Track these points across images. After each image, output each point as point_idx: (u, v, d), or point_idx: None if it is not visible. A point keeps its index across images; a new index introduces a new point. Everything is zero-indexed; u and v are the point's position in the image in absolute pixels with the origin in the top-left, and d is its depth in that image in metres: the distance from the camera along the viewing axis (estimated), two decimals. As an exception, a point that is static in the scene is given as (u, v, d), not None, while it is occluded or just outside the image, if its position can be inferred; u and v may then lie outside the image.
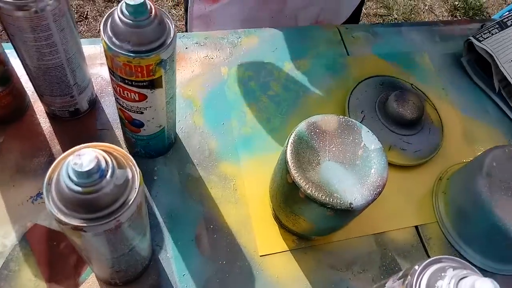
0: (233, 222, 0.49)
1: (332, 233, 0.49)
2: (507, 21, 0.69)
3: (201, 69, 0.60)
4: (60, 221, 0.27)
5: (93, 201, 0.26)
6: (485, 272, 0.51)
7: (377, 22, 1.70)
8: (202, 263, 0.46)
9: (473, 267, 0.30)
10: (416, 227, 0.53)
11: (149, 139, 0.46)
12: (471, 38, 0.65)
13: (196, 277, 0.45)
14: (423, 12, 1.72)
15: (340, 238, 0.50)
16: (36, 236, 0.44)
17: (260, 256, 0.48)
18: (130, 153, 0.50)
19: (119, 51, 0.33)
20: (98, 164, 0.25)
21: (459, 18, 1.74)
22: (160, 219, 0.48)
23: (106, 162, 0.26)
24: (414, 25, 0.72)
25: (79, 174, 0.25)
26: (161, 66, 0.35)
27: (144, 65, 0.34)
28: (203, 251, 0.47)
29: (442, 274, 0.28)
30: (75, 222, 0.26)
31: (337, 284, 0.48)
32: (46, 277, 0.42)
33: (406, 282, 0.30)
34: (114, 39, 0.33)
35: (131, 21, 0.33)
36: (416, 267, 0.30)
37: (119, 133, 0.52)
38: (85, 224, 0.26)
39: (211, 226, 0.49)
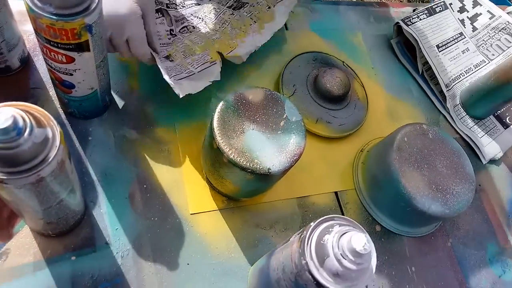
0: (166, 182, 0.52)
1: (257, 195, 0.53)
2: (436, 7, 0.75)
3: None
4: (-20, 174, 0.28)
5: (12, 156, 0.28)
6: (392, 234, 0.57)
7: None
8: (135, 219, 0.49)
9: (359, 225, 0.35)
10: (336, 193, 0.59)
11: (81, 100, 0.47)
12: (400, 21, 0.70)
13: (128, 231, 0.48)
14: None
15: (266, 200, 0.55)
16: (-34, 191, 0.45)
17: (191, 214, 0.51)
18: (64, 113, 0.51)
19: (41, 13, 0.33)
20: (15, 122, 0.27)
21: (409, 1, 1.80)
22: (95, 178, 0.50)
23: (24, 120, 0.28)
24: (351, 5, 0.76)
25: (-3, 130, 0.27)
26: (87, 31, 0.37)
27: (68, 28, 0.35)
28: (136, 208, 0.50)
29: (330, 229, 0.33)
30: (-4, 175, 0.28)
31: (260, 240, 0.52)
32: (-22, 228, 0.44)
33: (302, 236, 0.34)
34: (36, 0, 0.34)
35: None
36: (312, 223, 0.35)
37: (53, 92, 0.52)
38: (5, 177, 0.28)
39: (145, 186, 0.51)
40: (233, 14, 0.60)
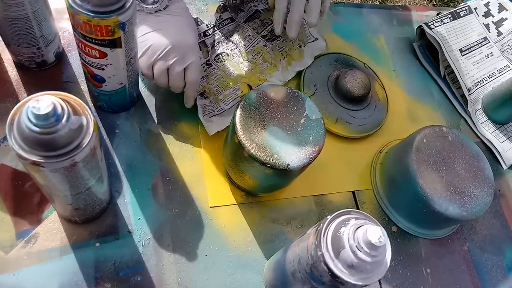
0: (187, 176, 0.54)
1: (275, 191, 0.55)
2: (460, 11, 0.75)
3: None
4: (20, 156, 0.31)
5: (49, 141, 0.30)
6: (408, 235, 0.58)
7: (357, 0, 1.72)
8: (157, 209, 0.51)
9: (375, 220, 0.36)
10: (353, 192, 0.60)
11: (111, 95, 0.49)
12: (423, 25, 0.70)
13: (150, 221, 0.50)
14: (401, -5, 1.76)
15: (283, 197, 0.56)
16: (3, 175, 0.48)
17: (210, 207, 0.53)
18: (94, 106, 0.54)
19: (80, 9, 0.36)
20: (55, 109, 0.29)
21: (434, 4, 1.78)
22: (120, 169, 0.52)
23: (62, 108, 0.30)
24: (375, 8, 0.77)
25: (37, 116, 0.29)
26: (120, 28, 0.39)
27: (103, 25, 0.37)
28: (158, 199, 0.52)
29: (346, 222, 0.34)
30: (34, 158, 0.31)
31: (277, 235, 0.54)
32: (11, 212, 0.47)
33: (318, 228, 0.35)
34: (76, -3, 0.36)
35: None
36: (329, 217, 0.36)
37: (84, 86, 0.55)
38: (42, 160, 0.31)
39: (167, 178, 0.53)
40: (266, 46, 0.61)
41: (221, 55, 0.59)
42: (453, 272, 0.57)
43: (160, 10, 0.49)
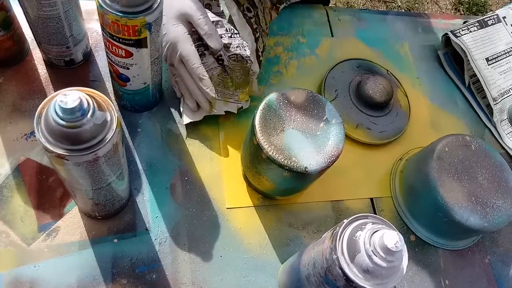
0: (206, 176, 0.55)
1: (292, 194, 0.54)
2: (488, 20, 0.73)
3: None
4: (46, 149, 0.32)
5: (75, 135, 0.31)
6: (427, 245, 0.57)
7: (381, 8, 1.71)
8: (174, 208, 0.52)
9: (392, 226, 0.35)
10: (372, 199, 0.59)
11: (134, 94, 0.51)
12: (449, 33, 0.69)
13: (167, 220, 0.51)
14: (427, 3, 1.74)
15: (300, 201, 0.56)
16: (28, 169, 0.50)
17: (227, 208, 0.53)
18: (118, 105, 0.55)
19: (109, 9, 0.37)
20: (81, 103, 0.30)
21: (461, 13, 1.75)
22: (140, 167, 0.53)
23: (88, 103, 0.31)
24: (400, 15, 0.76)
25: (64, 110, 0.30)
26: (146, 28, 0.40)
27: (130, 25, 0.38)
28: (176, 199, 0.52)
29: (363, 226, 0.34)
30: (59, 151, 0.32)
31: (292, 239, 0.54)
32: (35, 205, 0.48)
33: (334, 231, 0.35)
34: (106, -3, 0.38)
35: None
36: (345, 220, 0.35)
37: (109, 85, 0.56)
38: (67, 153, 0.32)
39: (186, 178, 0.54)
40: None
41: (236, 56, 0.55)
42: (473, 285, 0.56)
43: None
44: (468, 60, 0.68)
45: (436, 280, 0.55)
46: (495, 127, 0.68)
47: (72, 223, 0.48)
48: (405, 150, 0.63)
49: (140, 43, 0.42)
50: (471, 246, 0.58)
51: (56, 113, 0.30)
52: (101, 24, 0.41)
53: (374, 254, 0.32)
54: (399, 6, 1.70)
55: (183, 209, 0.52)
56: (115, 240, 0.49)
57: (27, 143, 0.51)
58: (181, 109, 0.56)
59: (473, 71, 0.68)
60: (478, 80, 0.69)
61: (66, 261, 0.46)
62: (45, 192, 0.49)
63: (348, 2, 1.68)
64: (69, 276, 0.46)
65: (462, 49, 0.68)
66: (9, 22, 0.49)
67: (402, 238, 0.32)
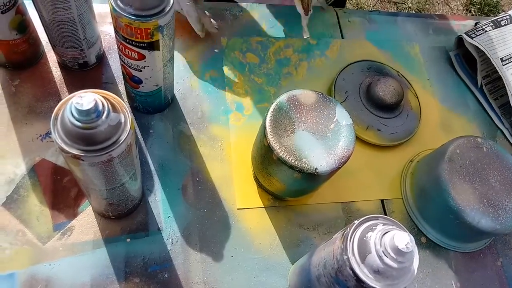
0: (217, 177, 0.55)
1: (302, 195, 0.55)
2: (501, 20, 0.73)
3: (203, 37, 0.64)
4: (62, 150, 0.33)
5: (90, 136, 0.32)
6: (438, 247, 0.56)
7: (391, 9, 1.71)
8: (186, 209, 0.52)
9: (403, 227, 0.35)
10: (382, 201, 0.59)
11: (147, 96, 0.51)
12: (463, 34, 0.69)
13: (179, 220, 0.52)
14: (438, 4, 1.73)
15: (311, 202, 0.56)
16: (43, 169, 0.51)
17: (238, 209, 0.54)
18: (130, 107, 0.56)
19: (122, 13, 0.38)
20: (96, 105, 0.31)
21: (473, 14, 1.74)
22: (152, 168, 0.54)
23: (103, 105, 0.32)
24: (411, 16, 0.76)
25: (80, 112, 0.31)
26: (159, 31, 0.41)
27: (143, 28, 0.39)
28: (187, 199, 0.53)
29: (374, 227, 0.34)
30: (75, 152, 0.32)
31: (303, 240, 0.54)
32: (50, 205, 0.49)
33: (345, 232, 0.35)
34: (119, 1, 0.38)
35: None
36: (356, 221, 0.36)
37: (122, 87, 0.57)
38: (82, 154, 0.32)
39: (197, 179, 0.55)
40: None
41: None
42: (485, 287, 0.55)
43: None
44: (482, 61, 0.67)
45: (447, 283, 0.54)
46: (508, 129, 0.67)
47: (86, 222, 0.49)
48: (415, 152, 0.63)
49: (152, 46, 0.43)
50: (483, 248, 0.57)
51: (72, 114, 0.31)
52: (114, 27, 0.42)
53: (385, 255, 0.32)
54: (409, 7, 1.69)
55: (194, 210, 0.53)
56: (128, 240, 0.49)
57: (42, 144, 0.52)
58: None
59: (486, 71, 0.68)
60: (490, 81, 0.68)
61: (80, 259, 0.47)
62: (60, 192, 0.50)
63: (358, 4, 1.67)
64: (83, 275, 0.47)
65: (480, 49, 0.67)
66: (25, 26, 0.51)
67: (413, 239, 0.32)
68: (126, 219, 0.50)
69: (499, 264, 0.57)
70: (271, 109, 0.47)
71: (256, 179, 0.55)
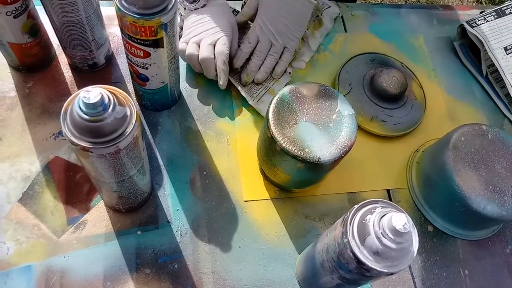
0: (224, 171, 0.56)
1: (307, 186, 0.56)
2: (506, 9, 0.72)
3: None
4: (72, 142, 0.34)
5: (97, 128, 0.34)
6: (445, 235, 0.57)
7: (401, 1, 1.70)
8: (194, 202, 0.54)
9: (402, 210, 0.36)
10: (388, 190, 0.59)
11: (154, 93, 0.53)
12: (464, 23, 0.69)
13: (188, 212, 0.53)
14: (448, -4, 1.71)
15: (316, 193, 0.57)
16: (57, 166, 0.53)
17: (245, 201, 0.55)
18: (139, 105, 0.58)
19: (126, 12, 0.40)
20: (102, 99, 0.32)
21: (484, 5, 1.72)
22: (161, 163, 0.56)
23: (109, 98, 0.33)
24: (414, 7, 0.76)
25: (87, 105, 0.32)
26: (162, 29, 0.42)
27: (147, 26, 0.41)
28: (195, 192, 0.55)
29: (373, 210, 0.35)
30: (84, 144, 0.34)
31: (309, 230, 0.55)
32: (64, 200, 0.51)
33: (345, 217, 0.36)
34: (123, 1, 0.40)
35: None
36: (356, 206, 0.36)
37: (130, 86, 0.59)
38: (90, 146, 0.34)
39: (204, 173, 0.56)
40: None
41: None
42: (494, 275, 0.55)
43: (198, 8, 0.54)
44: (485, 50, 0.67)
45: (455, 271, 0.55)
46: (515, 117, 0.67)
47: (98, 216, 0.51)
48: (421, 141, 0.63)
49: (157, 43, 0.44)
50: (491, 236, 0.57)
51: (80, 108, 0.33)
52: (120, 27, 0.44)
53: (383, 236, 0.32)
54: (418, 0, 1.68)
55: (202, 203, 0.54)
56: (139, 232, 0.51)
57: (55, 142, 0.54)
58: (252, 102, 0.60)
59: (490, 61, 0.67)
60: (496, 70, 0.68)
61: (93, 252, 0.49)
62: (72, 188, 0.52)
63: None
64: (96, 266, 0.48)
65: (479, 39, 0.67)
66: (37, 29, 0.53)
67: (411, 220, 0.33)
68: (137, 213, 0.52)
69: (507, 252, 0.57)
70: (274, 101, 0.48)
71: (262, 171, 0.56)
